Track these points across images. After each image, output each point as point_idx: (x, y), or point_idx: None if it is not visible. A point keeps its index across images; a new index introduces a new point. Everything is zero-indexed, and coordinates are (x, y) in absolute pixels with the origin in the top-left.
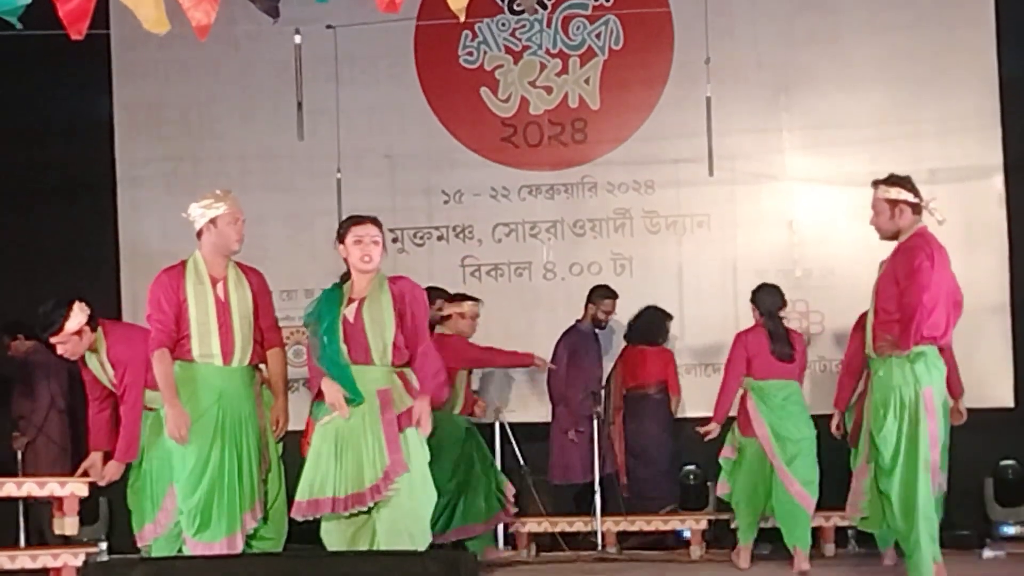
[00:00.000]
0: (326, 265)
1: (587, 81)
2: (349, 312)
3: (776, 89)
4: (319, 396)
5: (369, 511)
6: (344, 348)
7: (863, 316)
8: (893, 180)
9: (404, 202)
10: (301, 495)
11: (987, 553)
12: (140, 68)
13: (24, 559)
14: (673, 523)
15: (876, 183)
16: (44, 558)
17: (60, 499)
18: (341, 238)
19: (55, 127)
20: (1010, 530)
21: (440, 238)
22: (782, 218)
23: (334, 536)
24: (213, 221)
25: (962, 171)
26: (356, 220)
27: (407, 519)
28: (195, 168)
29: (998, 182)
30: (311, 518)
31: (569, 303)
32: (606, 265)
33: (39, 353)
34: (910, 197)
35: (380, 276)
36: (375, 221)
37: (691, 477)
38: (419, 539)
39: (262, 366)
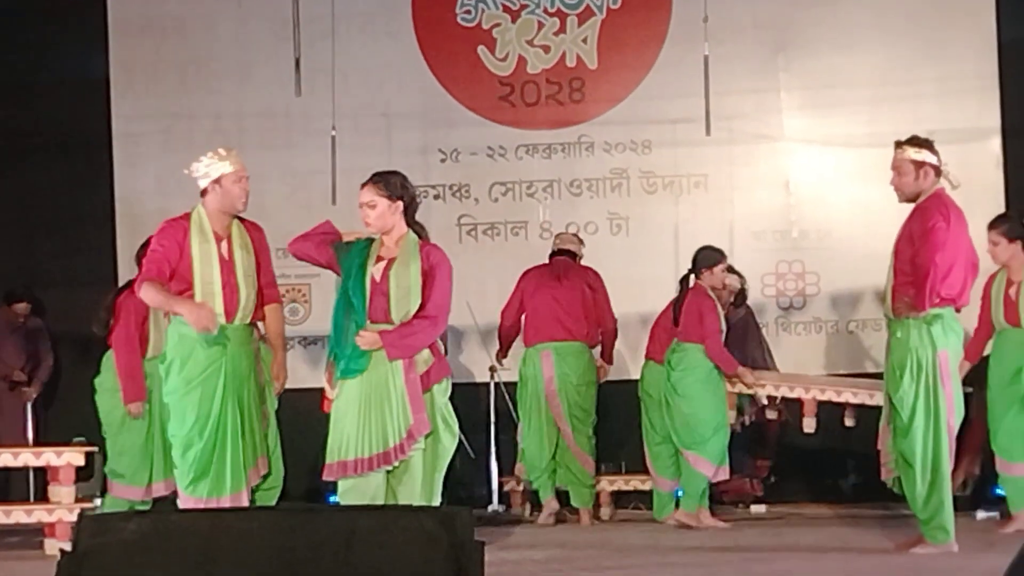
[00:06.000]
0: None
1: (585, 40)
2: (376, 271)
3: (774, 49)
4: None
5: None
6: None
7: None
8: (919, 141)
9: (400, 161)
10: (330, 457)
11: (980, 514)
12: (136, 24)
13: (19, 514)
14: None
15: (900, 143)
16: (39, 513)
17: (56, 468)
18: None
19: (51, 83)
20: (1003, 491)
21: (437, 197)
22: (779, 179)
23: (353, 496)
24: (218, 180)
25: (960, 133)
26: (362, 184)
27: (426, 477)
28: (191, 125)
29: (996, 144)
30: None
31: None
32: (602, 225)
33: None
34: (935, 160)
35: (412, 240)
36: (376, 181)
37: None
38: (435, 497)
39: (259, 323)
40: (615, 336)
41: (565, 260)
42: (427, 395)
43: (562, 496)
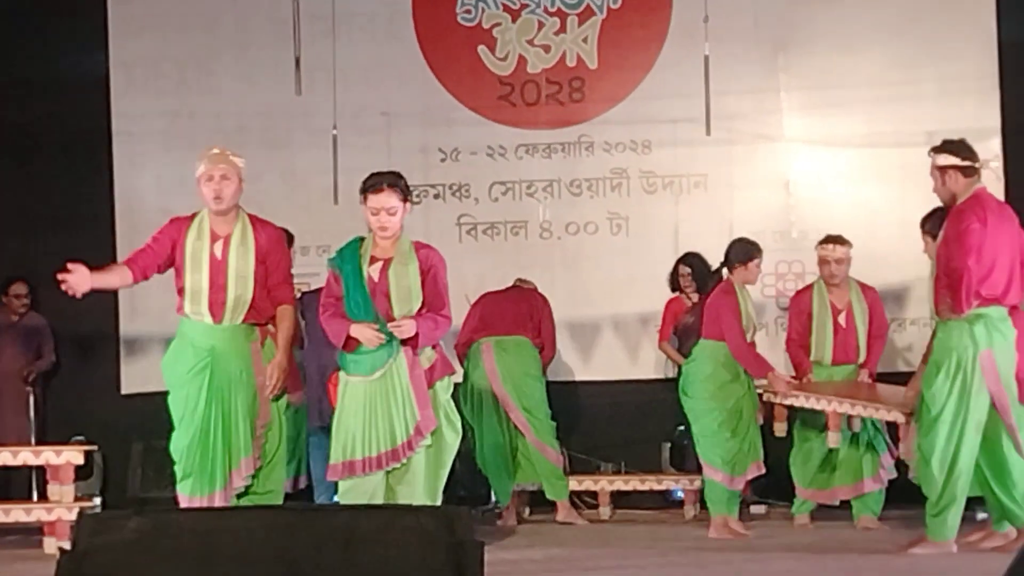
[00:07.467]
0: (322, 222)
1: (585, 40)
2: (374, 271)
3: (774, 49)
4: (346, 345)
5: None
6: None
7: None
8: (941, 146)
9: (400, 160)
10: (335, 457)
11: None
12: (137, 22)
13: (18, 513)
14: (667, 483)
15: (931, 151)
16: (38, 512)
17: (56, 467)
18: (362, 198)
19: (51, 81)
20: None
21: (436, 196)
22: (779, 179)
23: (353, 496)
24: (197, 180)
25: (960, 133)
26: (373, 186)
27: (429, 475)
28: (191, 124)
29: (996, 145)
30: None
31: (565, 262)
32: (602, 225)
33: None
34: (958, 161)
35: (406, 240)
36: (392, 184)
37: (684, 439)
38: (437, 495)
39: (270, 326)
40: (549, 362)
41: (516, 285)
42: (431, 392)
43: (539, 495)
